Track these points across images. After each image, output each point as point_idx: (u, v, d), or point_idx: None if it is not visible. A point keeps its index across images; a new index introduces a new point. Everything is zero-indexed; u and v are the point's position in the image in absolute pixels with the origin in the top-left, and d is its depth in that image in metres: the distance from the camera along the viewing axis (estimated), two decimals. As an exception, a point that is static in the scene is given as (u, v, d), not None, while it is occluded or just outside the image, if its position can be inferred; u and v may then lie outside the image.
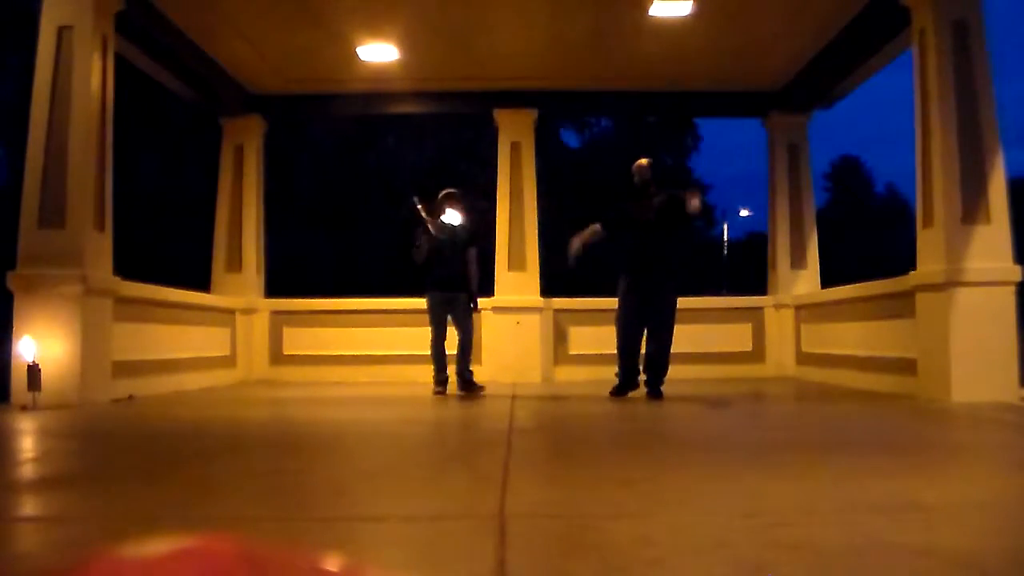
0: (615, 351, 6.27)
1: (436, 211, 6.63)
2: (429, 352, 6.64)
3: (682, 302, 7.78)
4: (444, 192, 6.78)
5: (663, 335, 6.12)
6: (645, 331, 6.20)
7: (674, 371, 8.56)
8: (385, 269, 19.96)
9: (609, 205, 6.49)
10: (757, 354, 9.05)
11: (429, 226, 6.49)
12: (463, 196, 6.83)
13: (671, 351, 6.19)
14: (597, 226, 6.38)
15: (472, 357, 6.76)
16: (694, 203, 5.87)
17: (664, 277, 6.11)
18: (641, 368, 6.20)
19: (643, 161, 6.32)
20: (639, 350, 6.19)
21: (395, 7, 7.13)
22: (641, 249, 6.10)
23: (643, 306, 6.09)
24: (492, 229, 8.95)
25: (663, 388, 6.17)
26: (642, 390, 6.21)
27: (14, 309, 5.78)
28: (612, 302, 9.29)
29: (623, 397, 6.13)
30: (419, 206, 6.52)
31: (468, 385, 6.54)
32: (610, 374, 8.54)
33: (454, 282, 6.56)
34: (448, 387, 6.62)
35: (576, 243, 6.31)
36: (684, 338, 8.64)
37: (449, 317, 6.61)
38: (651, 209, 6.11)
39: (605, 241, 6.31)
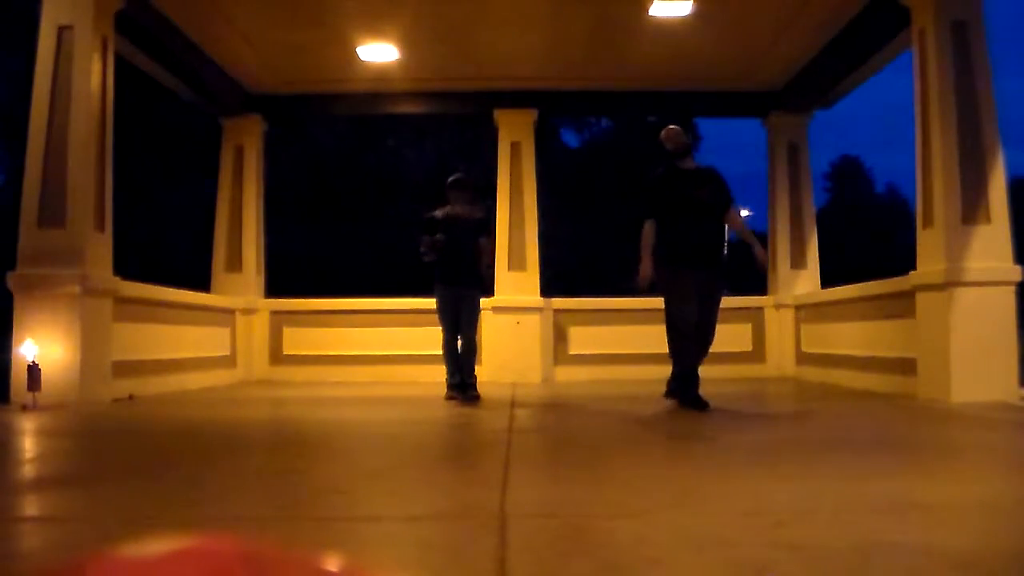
0: (669, 355, 5.33)
1: (446, 199, 6.27)
2: (441, 352, 6.26)
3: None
4: (451, 179, 6.39)
5: (710, 337, 5.30)
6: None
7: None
8: (385, 269, 19.96)
9: (641, 188, 5.53)
10: (757, 354, 9.05)
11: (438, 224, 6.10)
12: (471, 183, 6.45)
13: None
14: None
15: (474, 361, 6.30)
16: (761, 256, 5.33)
17: (720, 269, 5.27)
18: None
19: (676, 127, 5.43)
20: None
21: (395, 7, 7.12)
22: (697, 234, 5.16)
23: (700, 302, 5.18)
24: (493, 227, 8.95)
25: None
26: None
27: (14, 309, 5.78)
28: (613, 302, 9.37)
29: (707, 408, 5.06)
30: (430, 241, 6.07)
31: (468, 390, 6.12)
32: (611, 374, 8.60)
33: (463, 277, 6.15)
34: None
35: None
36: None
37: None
38: (704, 186, 5.25)
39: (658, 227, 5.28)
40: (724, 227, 5.31)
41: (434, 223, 6.19)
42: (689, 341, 5.20)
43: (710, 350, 5.38)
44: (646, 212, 5.32)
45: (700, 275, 5.16)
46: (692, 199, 5.20)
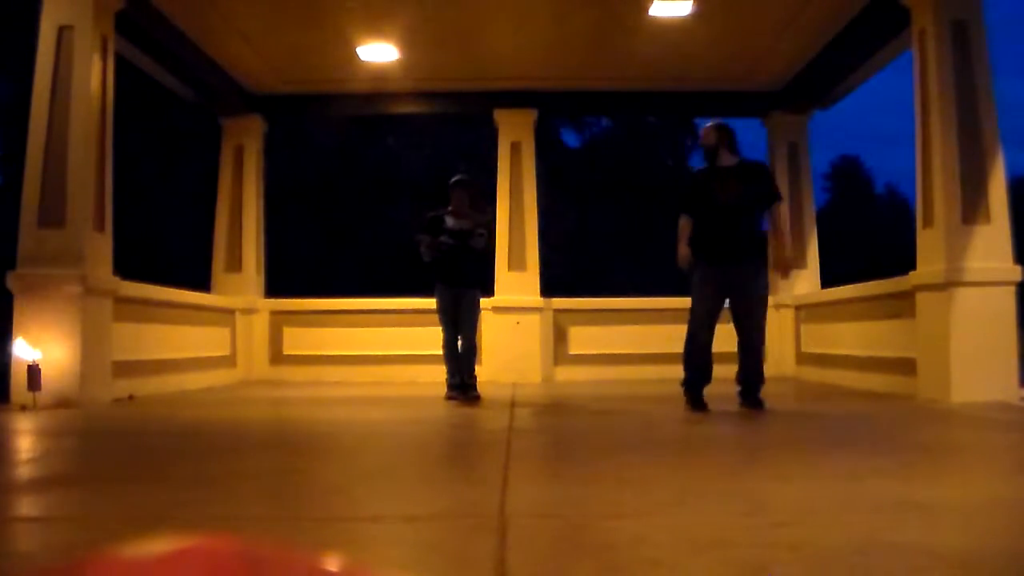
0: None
1: (450, 200, 6.27)
2: (441, 352, 6.27)
3: (680, 301, 7.64)
4: (454, 179, 6.39)
5: (755, 337, 5.17)
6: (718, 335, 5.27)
7: (672, 371, 8.55)
8: (385, 269, 19.98)
9: (681, 187, 5.65)
10: (757, 354, 9.04)
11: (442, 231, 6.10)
12: (474, 183, 6.44)
13: (763, 357, 5.27)
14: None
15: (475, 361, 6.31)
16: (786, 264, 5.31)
17: (751, 266, 5.17)
18: (736, 379, 5.26)
19: (708, 125, 5.39)
20: (711, 355, 5.23)
21: (395, 7, 7.12)
22: (722, 231, 5.13)
23: (722, 302, 5.17)
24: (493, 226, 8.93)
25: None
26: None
27: (14, 309, 5.78)
28: (612, 302, 9.38)
29: (703, 410, 5.13)
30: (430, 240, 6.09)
31: (468, 390, 6.12)
32: (611, 374, 8.61)
33: (463, 277, 6.16)
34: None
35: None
36: (682, 338, 8.65)
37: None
38: (734, 186, 5.16)
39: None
40: (753, 225, 5.19)
41: (438, 224, 6.17)
42: (699, 340, 5.19)
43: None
44: (680, 209, 5.36)
45: (722, 273, 5.11)
46: (715, 198, 5.17)
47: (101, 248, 6.14)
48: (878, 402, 5.87)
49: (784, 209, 5.34)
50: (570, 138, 29.48)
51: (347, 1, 6.93)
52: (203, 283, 9.11)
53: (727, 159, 5.25)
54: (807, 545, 1.87)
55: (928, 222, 5.97)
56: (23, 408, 5.41)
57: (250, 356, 8.96)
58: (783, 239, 5.32)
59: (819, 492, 2.55)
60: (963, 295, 5.63)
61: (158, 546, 0.49)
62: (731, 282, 5.12)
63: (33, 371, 5.46)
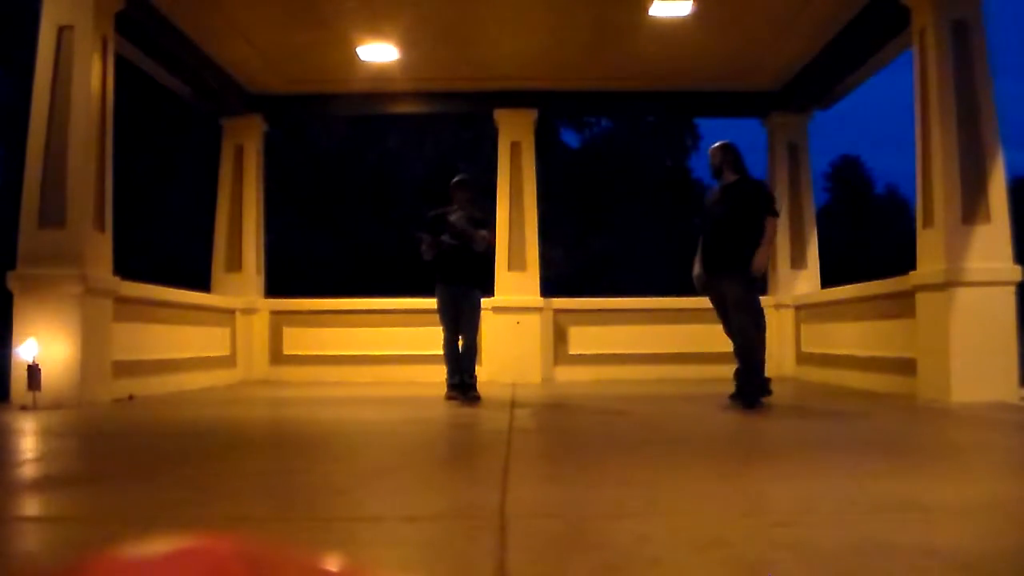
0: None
1: (451, 200, 6.28)
2: (441, 352, 6.26)
3: (680, 302, 7.66)
4: (456, 179, 6.41)
5: (736, 341, 5.45)
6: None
7: (672, 371, 8.64)
8: (385, 269, 19.97)
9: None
10: (757, 354, 9.03)
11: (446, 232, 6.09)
12: (475, 184, 6.46)
13: (752, 359, 5.37)
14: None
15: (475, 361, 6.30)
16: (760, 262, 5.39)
17: (729, 275, 5.39)
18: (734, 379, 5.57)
19: (714, 145, 5.73)
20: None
21: (395, 7, 7.12)
22: (708, 243, 5.56)
23: (718, 307, 5.55)
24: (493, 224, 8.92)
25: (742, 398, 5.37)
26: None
27: (14, 309, 5.78)
28: (612, 302, 9.39)
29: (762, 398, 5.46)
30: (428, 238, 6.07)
31: (468, 390, 6.11)
32: (610, 374, 8.64)
33: (464, 277, 6.17)
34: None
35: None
36: (682, 338, 8.70)
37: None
38: (724, 202, 5.52)
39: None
40: (736, 238, 5.37)
41: (439, 223, 6.16)
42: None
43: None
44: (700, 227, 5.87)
45: (710, 279, 5.53)
46: (706, 213, 5.66)
47: (101, 248, 6.14)
48: (878, 402, 5.87)
49: (774, 223, 5.52)
50: (570, 138, 29.47)
51: (347, 1, 6.93)
52: (203, 283, 9.11)
53: (728, 177, 5.59)
54: (807, 545, 1.87)
55: (928, 222, 5.97)
56: (23, 408, 5.41)
57: (250, 356, 8.96)
58: (763, 244, 5.42)
59: (819, 492, 2.55)
60: (963, 295, 5.63)
61: (158, 546, 0.49)
62: (716, 289, 5.52)
63: (33, 371, 5.46)
